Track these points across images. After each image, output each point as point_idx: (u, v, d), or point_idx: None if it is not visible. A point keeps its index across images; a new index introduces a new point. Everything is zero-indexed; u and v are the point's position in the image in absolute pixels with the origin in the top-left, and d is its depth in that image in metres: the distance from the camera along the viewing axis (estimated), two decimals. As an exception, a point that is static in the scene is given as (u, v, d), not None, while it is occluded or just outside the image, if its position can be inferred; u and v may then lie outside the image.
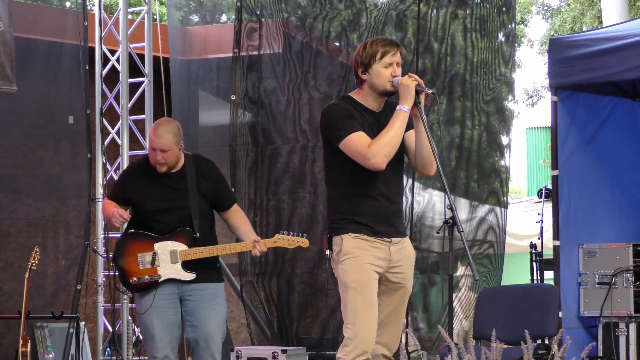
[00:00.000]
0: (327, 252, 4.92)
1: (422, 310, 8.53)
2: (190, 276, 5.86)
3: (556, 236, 7.69)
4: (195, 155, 6.11)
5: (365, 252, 4.84)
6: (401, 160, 4.99)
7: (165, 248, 5.84)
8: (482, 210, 8.46)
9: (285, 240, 5.97)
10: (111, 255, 6.01)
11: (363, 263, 4.83)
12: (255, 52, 8.48)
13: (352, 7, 8.55)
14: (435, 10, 8.41)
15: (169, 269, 5.83)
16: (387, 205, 4.91)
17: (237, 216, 6.10)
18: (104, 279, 7.84)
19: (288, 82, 8.53)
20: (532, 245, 10.08)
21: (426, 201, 8.54)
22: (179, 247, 5.84)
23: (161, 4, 8.57)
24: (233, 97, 8.36)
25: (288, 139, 8.55)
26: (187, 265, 5.86)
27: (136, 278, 5.84)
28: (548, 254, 8.63)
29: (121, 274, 5.92)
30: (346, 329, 4.83)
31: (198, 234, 5.87)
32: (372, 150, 4.76)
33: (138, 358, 7.96)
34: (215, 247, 5.92)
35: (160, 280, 5.83)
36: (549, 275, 8.99)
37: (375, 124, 4.90)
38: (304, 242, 5.99)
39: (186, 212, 5.88)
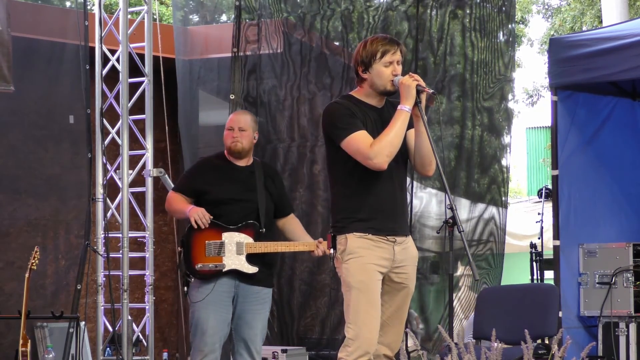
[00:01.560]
0: (331, 251, 4.93)
1: (422, 310, 8.53)
2: (254, 269, 5.97)
3: (556, 236, 7.69)
4: (263, 161, 6.40)
5: (370, 252, 4.84)
6: (405, 159, 4.99)
7: (232, 239, 5.93)
8: (482, 210, 8.46)
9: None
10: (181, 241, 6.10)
11: (367, 263, 4.83)
12: (255, 52, 8.48)
13: (352, 6, 8.55)
14: (434, 10, 8.41)
15: (234, 259, 5.92)
16: (391, 204, 4.91)
17: (295, 222, 6.32)
18: (104, 278, 7.83)
19: (287, 82, 8.53)
20: (532, 245, 10.08)
21: (425, 201, 8.54)
22: (246, 239, 5.95)
23: (161, 3, 8.59)
24: (232, 97, 8.36)
25: (287, 139, 8.55)
26: (251, 259, 5.92)
27: (201, 264, 5.92)
28: (548, 253, 8.63)
29: (187, 258, 5.97)
30: (348, 328, 4.83)
31: (264, 229, 5.99)
32: (374, 150, 4.76)
33: (138, 358, 7.96)
34: (280, 243, 6.10)
35: (223, 270, 5.88)
36: (549, 275, 8.99)
37: (378, 119, 4.90)
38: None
39: (253, 206, 6.03)
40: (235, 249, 5.93)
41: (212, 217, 5.98)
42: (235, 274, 5.96)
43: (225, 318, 6.00)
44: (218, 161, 6.21)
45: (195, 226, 5.95)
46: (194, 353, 6.05)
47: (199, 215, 5.92)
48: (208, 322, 5.95)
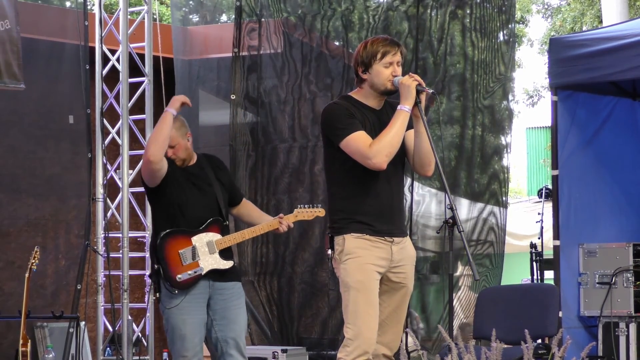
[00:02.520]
0: (329, 251, 4.93)
1: (422, 310, 8.53)
2: (229, 263, 5.95)
3: (556, 236, 7.69)
4: (203, 153, 6.22)
5: (367, 252, 4.84)
6: (403, 160, 4.99)
7: (202, 240, 5.90)
8: (482, 209, 8.46)
9: (305, 212, 6.09)
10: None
11: (365, 263, 4.83)
12: (255, 52, 8.48)
13: (352, 6, 8.55)
14: (435, 10, 8.41)
15: (209, 260, 5.90)
16: (389, 205, 4.92)
17: (248, 205, 6.24)
18: (104, 278, 7.84)
19: (287, 82, 8.54)
20: (532, 245, 10.08)
21: (425, 201, 8.54)
22: (214, 237, 5.92)
23: (161, 3, 8.58)
24: (233, 97, 8.36)
25: (287, 139, 8.55)
26: (224, 254, 5.93)
27: (181, 275, 5.87)
28: (548, 253, 8.63)
29: (166, 274, 5.90)
30: (347, 329, 4.84)
31: (227, 222, 5.99)
32: (373, 150, 4.76)
33: (138, 358, 7.96)
34: (244, 231, 6.04)
35: (203, 273, 5.87)
36: (549, 275, 8.99)
37: (376, 121, 4.90)
38: (320, 211, 6.09)
39: (213, 200, 5.98)
40: (207, 250, 5.91)
41: (170, 214, 5.92)
42: (209, 274, 5.94)
43: (200, 320, 5.93)
44: (172, 164, 6.01)
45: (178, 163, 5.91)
46: (175, 358, 6.00)
47: (181, 99, 5.88)
48: (185, 326, 5.88)
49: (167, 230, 5.93)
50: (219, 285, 5.95)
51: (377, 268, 4.86)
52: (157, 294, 5.99)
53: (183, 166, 5.99)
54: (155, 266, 5.90)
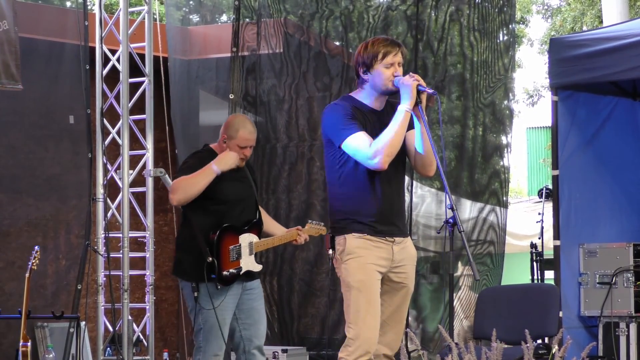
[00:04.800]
0: (330, 251, 4.93)
1: (422, 310, 8.53)
2: (259, 267, 6.04)
3: (556, 236, 7.70)
4: None
5: (369, 252, 4.85)
6: (403, 160, 4.99)
7: (245, 240, 5.96)
8: (483, 209, 8.46)
9: (314, 229, 6.22)
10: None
11: (366, 263, 4.83)
12: (254, 52, 8.48)
13: (352, 6, 8.55)
14: (434, 10, 8.41)
15: (247, 261, 5.97)
16: (389, 205, 4.92)
17: (267, 215, 6.31)
18: (105, 278, 7.83)
19: (286, 82, 8.53)
20: (533, 245, 10.08)
21: (425, 201, 8.54)
22: (254, 238, 5.97)
23: (161, 3, 8.57)
24: (231, 97, 8.36)
25: (286, 138, 8.55)
26: (256, 257, 6.01)
27: (227, 272, 5.90)
28: (548, 253, 8.63)
29: (219, 268, 5.89)
30: (348, 328, 4.84)
31: (262, 225, 6.06)
32: (374, 150, 4.77)
33: (138, 358, 7.96)
34: (274, 237, 6.12)
35: (241, 273, 5.91)
36: (549, 275, 8.99)
37: (377, 122, 4.90)
38: (323, 230, 6.22)
39: (253, 202, 6.05)
40: (248, 250, 5.95)
41: (216, 210, 5.95)
42: (244, 275, 5.96)
43: (232, 319, 6.01)
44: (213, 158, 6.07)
45: (241, 164, 5.91)
46: (208, 356, 5.99)
47: (233, 156, 5.86)
48: (225, 326, 5.92)
49: (225, 225, 5.93)
50: (248, 285, 6.01)
51: (378, 268, 4.86)
52: (196, 293, 5.95)
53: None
54: (210, 259, 5.85)
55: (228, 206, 5.97)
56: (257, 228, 6.02)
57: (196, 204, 5.96)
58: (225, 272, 5.88)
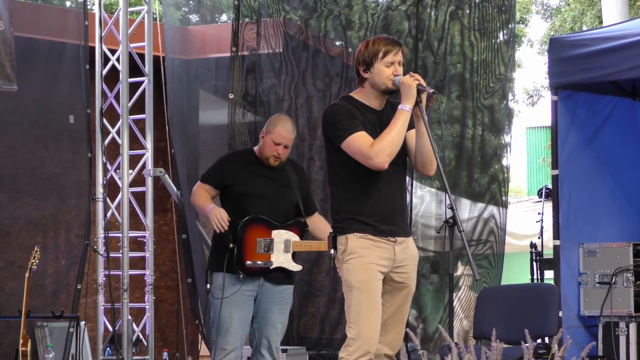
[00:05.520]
0: (332, 251, 4.93)
1: (422, 310, 8.53)
2: (298, 267, 6.07)
3: (556, 236, 7.69)
4: (290, 158, 6.35)
5: (370, 251, 4.85)
6: (404, 159, 4.99)
7: (281, 236, 5.98)
8: (482, 209, 8.46)
9: None
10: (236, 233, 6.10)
11: (368, 263, 4.84)
12: (254, 52, 8.47)
13: (352, 6, 8.54)
14: (434, 10, 8.41)
15: (281, 257, 5.95)
16: (391, 205, 4.92)
17: (321, 221, 6.30)
18: (104, 278, 7.83)
19: (286, 81, 8.53)
20: (532, 245, 10.08)
21: (426, 200, 8.54)
22: (293, 237, 5.95)
23: (161, 3, 8.57)
24: (231, 96, 8.35)
25: (286, 138, 8.53)
26: (295, 257, 5.99)
27: (251, 262, 5.92)
28: (548, 253, 8.63)
29: (239, 255, 5.95)
30: (349, 328, 4.84)
31: (308, 227, 6.06)
32: (375, 150, 4.77)
33: (138, 358, 7.96)
34: (319, 241, 6.11)
35: (271, 268, 5.89)
36: (549, 274, 8.99)
37: (377, 122, 4.91)
38: None
39: (292, 204, 6.07)
40: (283, 247, 5.96)
41: (234, 204, 5.97)
42: (266, 273, 5.96)
43: (247, 317, 6.02)
44: (249, 157, 6.21)
45: (218, 230, 5.94)
46: (217, 351, 6.05)
47: (218, 219, 5.91)
48: (232, 320, 5.96)
49: (253, 215, 5.98)
50: (268, 287, 6.01)
51: (379, 268, 4.86)
52: (208, 285, 6.01)
53: (269, 166, 6.08)
54: (231, 245, 5.89)
55: (246, 199, 6.02)
56: (298, 228, 6.03)
57: (224, 194, 6.10)
58: (249, 262, 5.90)
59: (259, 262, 5.94)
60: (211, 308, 6.03)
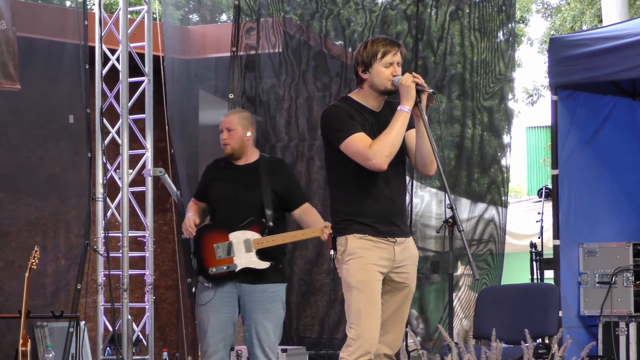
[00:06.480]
0: (332, 252, 4.93)
1: (422, 310, 8.53)
2: (265, 264, 5.98)
3: (556, 235, 7.69)
4: (270, 156, 6.39)
5: (370, 252, 4.85)
6: (403, 160, 4.99)
7: (239, 237, 5.95)
8: (482, 209, 8.46)
9: None
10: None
11: (367, 263, 4.84)
12: (253, 51, 8.47)
13: (351, 6, 8.54)
14: (434, 10, 8.41)
15: (245, 258, 5.94)
16: (390, 205, 4.92)
17: (310, 212, 6.19)
18: (104, 278, 7.84)
19: (286, 81, 8.53)
20: (532, 245, 10.08)
21: (426, 200, 8.54)
22: (252, 235, 5.95)
23: (161, 3, 8.57)
24: (231, 96, 8.35)
25: (285, 138, 8.54)
26: (262, 255, 5.94)
27: (214, 269, 5.95)
28: (548, 253, 8.63)
29: (200, 266, 6.01)
30: (350, 329, 4.84)
31: (271, 224, 5.99)
32: (373, 150, 4.77)
33: (138, 357, 7.96)
34: (286, 234, 6.06)
35: (236, 270, 5.89)
36: (549, 274, 8.99)
37: (375, 123, 4.91)
38: None
39: (257, 203, 6.02)
40: (244, 247, 5.95)
41: (197, 223, 6.03)
42: (239, 275, 5.97)
43: (227, 318, 6.01)
44: (222, 163, 6.25)
45: (187, 236, 6.04)
46: (201, 355, 6.12)
47: (185, 226, 5.98)
48: (208, 323, 5.98)
49: (205, 224, 6.05)
50: (247, 287, 5.99)
51: (379, 268, 4.87)
52: (194, 289, 6.07)
53: (234, 159, 6.11)
54: (191, 257, 5.99)
55: (213, 205, 6.11)
56: (258, 226, 6.00)
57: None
58: (212, 269, 5.93)
59: (224, 267, 5.95)
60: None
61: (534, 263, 10.03)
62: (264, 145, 8.51)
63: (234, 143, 6.10)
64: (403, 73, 4.92)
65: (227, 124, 6.13)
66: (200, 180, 6.41)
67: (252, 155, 6.18)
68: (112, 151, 8.12)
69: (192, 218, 6.02)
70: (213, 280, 5.98)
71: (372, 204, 4.88)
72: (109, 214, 7.97)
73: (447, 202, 4.86)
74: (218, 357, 6.03)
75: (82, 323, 7.63)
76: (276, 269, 6.08)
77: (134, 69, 8.07)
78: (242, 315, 6.06)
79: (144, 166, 8.13)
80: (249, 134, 6.14)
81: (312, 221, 6.13)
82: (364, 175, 4.85)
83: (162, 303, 9.33)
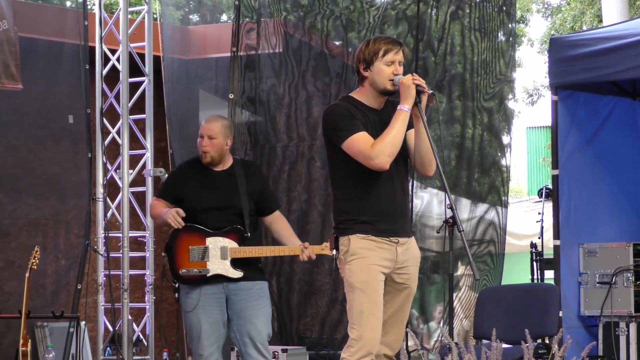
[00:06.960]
0: (334, 252, 4.93)
1: (423, 310, 8.53)
2: (238, 274, 5.97)
3: (556, 235, 7.69)
4: (242, 159, 6.32)
5: (372, 252, 4.85)
6: (405, 159, 4.99)
7: (216, 243, 5.93)
8: (483, 209, 8.45)
9: (326, 250, 6.09)
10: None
11: (370, 264, 4.83)
12: (254, 51, 8.47)
13: (352, 6, 8.54)
14: (435, 10, 8.41)
15: (218, 264, 5.92)
16: (392, 204, 4.92)
17: (280, 222, 6.21)
18: (104, 278, 7.84)
19: (286, 81, 8.53)
20: (533, 245, 10.07)
21: (426, 200, 8.54)
22: (230, 244, 5.93)
23: (161, 3, 8.58)
24: (231, 96, 8.36)
25: (286, 138, 8.54)
26: (235, 263, 5.91)
27: (185, 270, 5.94)
28: (548, 253, 8.63)
29: (171, 264, 6.01)
30: (352, 329, 4.84)
31: (249, 234, 5.96)
32: (375, 150, 4.77)
33: (138, 357, 7.96)
34: (264, 247, 6.10)
35: (208, 275, 5.88)
36: (549, 274, 8.99)
37: (378, 121, 4.91)
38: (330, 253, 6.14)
39: (236, 211, 5.99)
40: (219, 254, 5.92)
41: (186, 218, 5.98)
42: (222, 278, 5.96)
43: (218, 319, 5.99)
44: (195, 167, 6.14)
45: (175, 226, 5.96)
46: (195, 357, 6.08)
47: (173, 216, 5.92)
48: (201, 326, 5.95)
49: (185, 225, 5.97)
50: (234, 286, 5.98)
51: (381, 269, 4.86)
52: (177, 294, 6.04)
53: (211, 166, 6.05)
54: (163, 253, 5.97)
55: (195, 214, 6.01)
56: (236, 234, 5.97)
57: (181, 206, 6.08)
58: (183, 270, 5.92)
59: (195, 270, 5.93)
60: (183, 317, 6.10)
61: (534, 263, 10.02)
62: (264, 145, 8.51)
63: (213, 152, 6.04)
64: (404, 73, 4.92)
65: (209, 132, 6.06)
66: (169, 182, 6.31)
67: (229, 161, 6.15)
68: (113, 151, 8.13)
69: (181, 210, 5.95)
70: (182, 281, 5.97)
71: (375, 204, 4.88)
72: (109, 214, 7.97)
73: (448, 202, 4.86)
74: (214, 358, 6.02)
75: (83, 323, 7.63)
76: (256, 267, 6.08)
77: (134, 69, 8.08)
78: (230, 315, 6.02)
79: (144, 166, 8.14)
80: (229, 142, 6.11)
81: (281, 231, 6.15)
82: (366, 175, 4.85)
83: (163, 303, 9.32)
